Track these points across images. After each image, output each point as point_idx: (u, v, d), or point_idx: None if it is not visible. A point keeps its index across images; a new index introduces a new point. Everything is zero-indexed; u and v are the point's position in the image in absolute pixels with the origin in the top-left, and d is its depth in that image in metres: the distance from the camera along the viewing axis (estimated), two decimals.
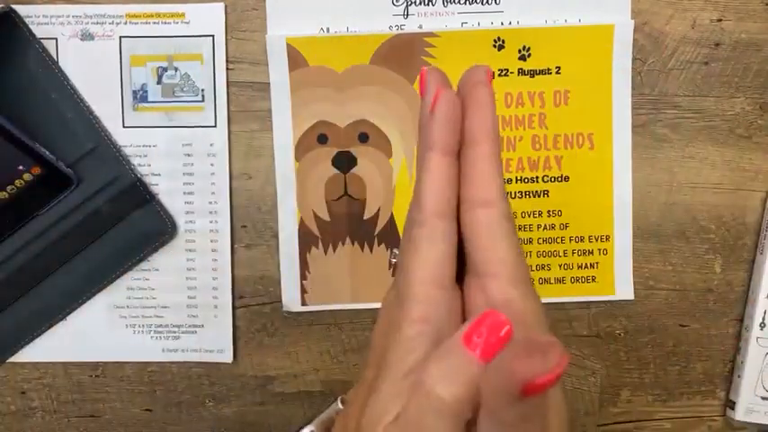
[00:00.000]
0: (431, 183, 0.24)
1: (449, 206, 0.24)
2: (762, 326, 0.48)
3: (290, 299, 0.50)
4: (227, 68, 0.48)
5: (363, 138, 0.49)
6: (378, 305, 0.51)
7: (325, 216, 0.49)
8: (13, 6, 0.47)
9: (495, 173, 0.24)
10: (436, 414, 0.20)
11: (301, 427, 0.29)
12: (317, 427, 0.29)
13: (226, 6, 0.48)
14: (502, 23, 0.48)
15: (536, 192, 0.49)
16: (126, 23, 0.48)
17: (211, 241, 0.50)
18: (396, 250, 0.27)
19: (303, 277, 0.50)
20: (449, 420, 0.20)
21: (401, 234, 0.49)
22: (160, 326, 0.50)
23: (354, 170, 0.49)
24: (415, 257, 0.23)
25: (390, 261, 0.28)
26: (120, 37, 0.48)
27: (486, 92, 0.24)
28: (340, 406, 0.30)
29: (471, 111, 0.24)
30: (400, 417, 0.21)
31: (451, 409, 0.20)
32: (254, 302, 0.50)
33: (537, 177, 0.49)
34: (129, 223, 0.49)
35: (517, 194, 0.49)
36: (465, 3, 0.48)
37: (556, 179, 0.49)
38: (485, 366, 0.20)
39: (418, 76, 0.26)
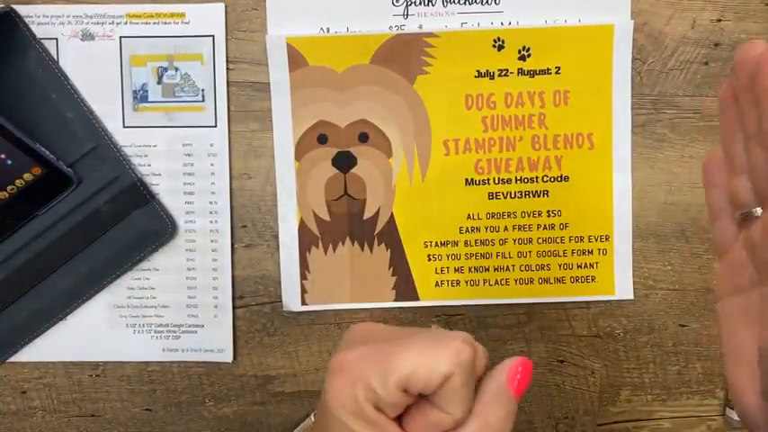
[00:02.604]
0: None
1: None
2: None
3: (290, 299, 0.50)
4: (227, 68, 0.48)
5: (363, 138, 0.49)
6: (377, 305, 0.52)
7: (326, 216, 0.49)
8: (14, 6, 0.47)
9: None
10: None
11: None
12: None
13: (226, 6, 0.48)
14: (502, 23, 0.48)
15: (536, 192, 0.49)
16: (126, 23, 0.48)
17: (211, 241, 0.50)
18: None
19: (303, 277, 0.50)
20: None
21: (401, 234, 0.49)
22: (160, 326, 0.50)
23: (354, 170, 0.49)
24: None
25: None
26: (121, 37, 0.48)
27: None
28: (312, 419, 0.31)
29: None
30: None
31: None
32: (254, 302, 0.50)
33: (537, 177, 0.49)
34: (129, 223, 0.49)
35: (517, 194, 0.49)
36: (465, 3, 0.48)
37: (556, 179, 0.49)
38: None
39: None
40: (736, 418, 0.49)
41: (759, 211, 0.27)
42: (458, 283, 0.50)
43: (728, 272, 0.29)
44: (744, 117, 0.26)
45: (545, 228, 0.50)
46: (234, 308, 0.50)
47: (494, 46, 0.48)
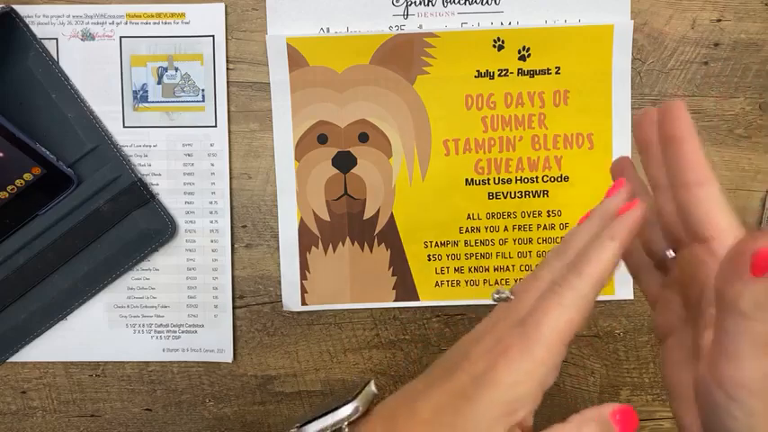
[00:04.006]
0: (606, 264, 0.27)
1: (605, 282, 0.27)
2: None
3: (290, 299, 0.50)
4: (228, 68, 0.49)
5: (363, 138, 0.49)
6: (377, 305, 0.51)
7: (325, 216, 0.49)
8: (14, 6, 0.47)
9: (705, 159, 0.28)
10: None
11: (343, 404, 0.29)
12: (362, 404, 0.29)
13: (226, 6, 0.48)
14: (502, 23, 0.48)
15: (536, 192, 0.49)
16: (126, 23, 0.48)
17: (211, 241, 0.50)
18: (502, 290, 0.29)
19: (303, 277, 0.50)
20: None
21: (401, 234, 0.49)
22: (160, 325, 0.50)
23: (354, 170, 0.49)
24: (558, 309, 0.26)
25: (494, 297, 0.30)
26: (121, 37, 0.48)
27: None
28: (374, 390, 0.30)
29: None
30: None
31: None
32: (254, 302, 0.50)
33: (537, 177, 0.49)
34: (129, 223, 0.49)
35: (517, 194, 0.49)
36: (465, 3, 0.48)
37: (556, 179, 0.49)
38: None
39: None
40: None
41: (672, 253, 0.30)
42: (458, 283, 0.50)
43: (661, 316, 0.30)
44: (649, 172, 0.29)
45: (545, 228, 0.50)
46: (234, 308, 0.50)
47: (494, 46, 0.48)
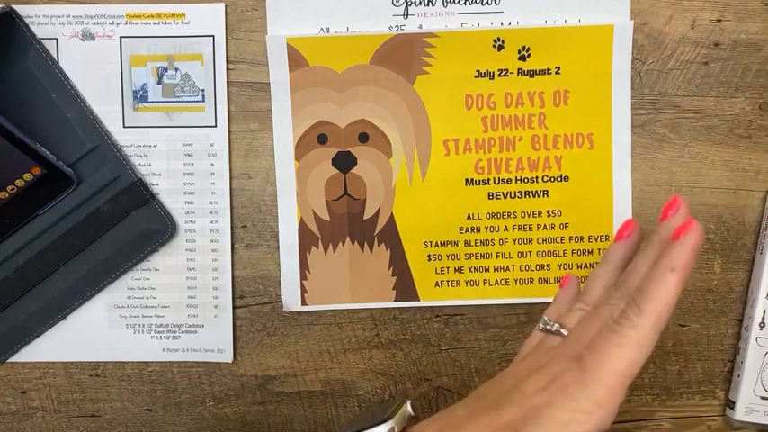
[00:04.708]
0: (668, 300, 0.26)
1: (667, 318, 0.26)
2: (761, 326, 0.48)
3: (290, 299, 0.50)
4: (228, 68, 0.49)
5: (363, 138, 0.49)
6: (377, 305, 0.51)
7: (325, 216, 0.49)
8: (14, 6, 0.47)
9: None
10: None
11: (380, 422, 0.28)
12: (398, 425, 0.28)
13: (226, 6, 0.48)
14: (502, 23, 0.48)
15: (536, 192, 0.49)
16: (126, 23, 0.48)
17: (211, 241, 0.50)
18: (549, 320, 0.30)
19: (303, 277, 0.50)
20: None
21: (401, 234, 0.49)
22: (160, 326, 0.50)
23: (354, 170, 0.49)
24: (619, 350, 0.25)
25: (542, 328, 0.31)
26: (121, 37, 0.48)
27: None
28: (410, 411, 0.30)
29: None
30: None
31: None
32: (254, 302, 0.50)
33: (537, 177, 0.49)
34: (129, 223, 0.49)
35: (517, 194, 0.49)
36: (465, 3, 0.48)
37: (556, 179, 0.49)
38: None
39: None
40: (737, 417, 0.49)
41: (557, 325, 0.30)
42: (458, 283, 0.50)
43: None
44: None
45: (545, 228, 0.50)
46: (234, 308, 0.50)
47: (494, 46, 0.48)
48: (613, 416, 0.25)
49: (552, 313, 0.33)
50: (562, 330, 0.28)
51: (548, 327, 0.29)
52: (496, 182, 0.49)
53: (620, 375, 0.25)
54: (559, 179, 0.49)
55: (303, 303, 0.50)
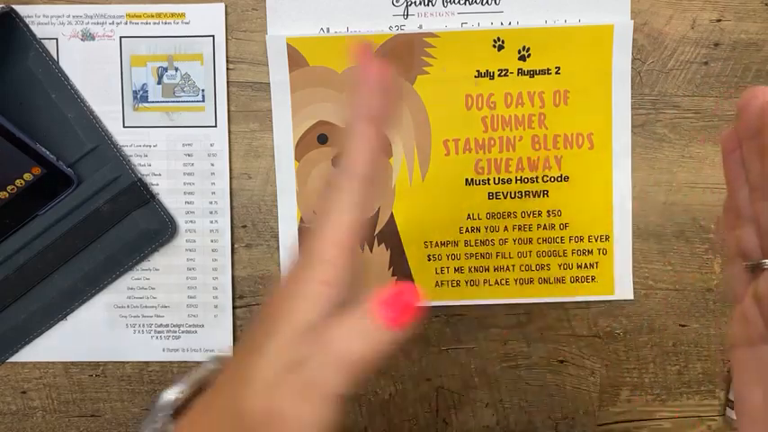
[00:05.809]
0: (362, 148, 0.24)
1: (372, 173, 0.24)
2: None
3: None
4: (228, 68, 0.49)
5: None
6: None
7: None
8: (14, 6, 0.47)
9: None
10: (337, 369, 0.22)
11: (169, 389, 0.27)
12: (189, 386, 0.27)
13: (226, 6, 0.48)
14: (502, 23, 0.48)
15: (536, 192, 0.49)
16: (126, 23, 0.48)
17: (211, 241, 0.50)
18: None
19: None
20: (347, 376, 0.22)
21: (401, 234, 0.49)
22: (160, 326, 0.50)
23: None
24: (330, 220, 0.23)
25: (300, 227, 0.28)
26: (121, 37, 0.48)
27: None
28: (212, 365, 0.28)
29: None
30: (298, 367, 0.22)
31: (353, 367, 0.22)
32: (254, 302, 0.50)
33: (537, 177, 0.49)
34: (129, 223, 0.49)
35: (517, 194, 0.49)
36: (465, 3, 0.48)
37: (555, 179, 0.49)
38: (390, 333, 0.23)
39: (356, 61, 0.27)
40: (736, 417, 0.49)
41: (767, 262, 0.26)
42: (458, 283, 0.50)
43: (740, 322, 0.27)
44: (747, 166, 0.25)
45: (545, 228, 0.50)
46: (234, 308, 0.50)
47: (494, 46, 0.48)
48: (356, 287, 0.24)
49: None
50: None
51: None
52: (496, 182, 0.49)
53: (337, 246, 0.24)
54: (559, 179, 0.49)
55: None
